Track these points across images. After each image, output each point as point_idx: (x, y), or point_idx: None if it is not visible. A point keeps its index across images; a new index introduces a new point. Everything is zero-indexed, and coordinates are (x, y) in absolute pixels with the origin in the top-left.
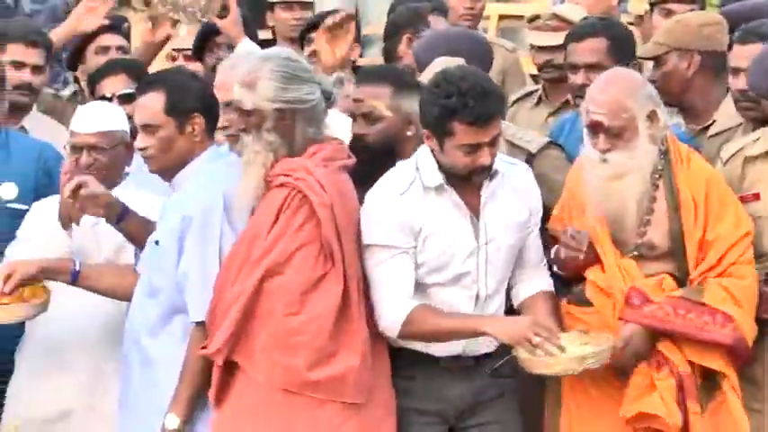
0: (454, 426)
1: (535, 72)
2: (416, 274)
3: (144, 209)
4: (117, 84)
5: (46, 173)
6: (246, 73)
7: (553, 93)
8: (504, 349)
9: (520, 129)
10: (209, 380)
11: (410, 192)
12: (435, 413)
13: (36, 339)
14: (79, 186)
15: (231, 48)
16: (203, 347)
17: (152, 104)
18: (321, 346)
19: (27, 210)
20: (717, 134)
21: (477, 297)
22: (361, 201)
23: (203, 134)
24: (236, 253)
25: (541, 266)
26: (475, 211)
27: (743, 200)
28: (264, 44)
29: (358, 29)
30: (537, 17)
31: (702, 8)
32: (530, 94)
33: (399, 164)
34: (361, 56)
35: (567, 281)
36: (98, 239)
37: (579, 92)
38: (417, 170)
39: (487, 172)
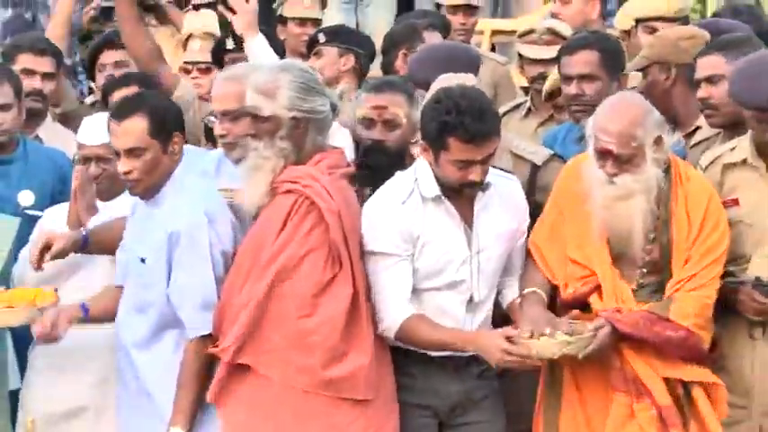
0: (444, 422)
1: (524, 84)
2: (414, 279)
3: None
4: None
5: (61, 180)
6: (264, 81)
7: (541, 104)
8: None
9: (523, 141)
10: (206, 389)
11: (410, 201)
12: (429, 408)
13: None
14: (47, 246)
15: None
16: (214, 346)
17: (136, 129)
18: (334, 345)
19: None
20: (698, 143)
21: (471, 301)
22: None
23: (180, 151)
24: (243, 259)
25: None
26: (468, 221)
27: (723, 205)
28: None
29: (362, 46)
30: (531, 31)
31: (686, 25)
32: (518, 106)
33: (398, 174)
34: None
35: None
36: None
37: (573, 101)
38: (416, 181)
39: (478, 187)
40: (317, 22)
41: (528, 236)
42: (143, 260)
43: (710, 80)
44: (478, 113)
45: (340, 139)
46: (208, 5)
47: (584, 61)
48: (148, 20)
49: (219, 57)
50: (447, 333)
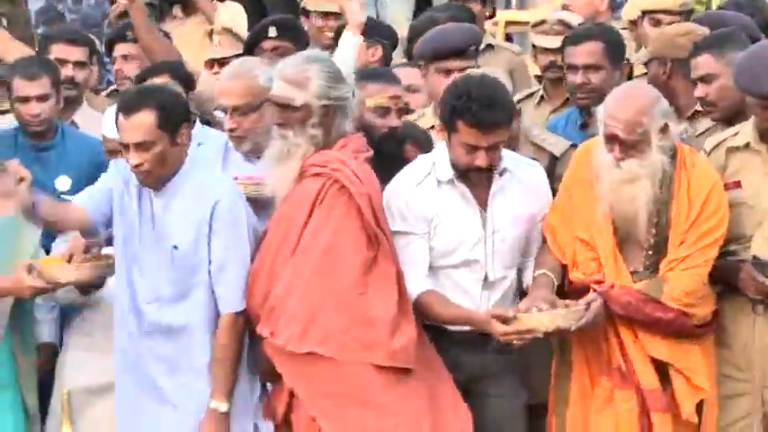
0: (462, 393)
1: (537, 73)
2: (430, 257)
3: None
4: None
5: (96, 166)
6: (294, 72)
7: (554, 92)
8: None
9: (544, 131)
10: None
11: (425, 183)
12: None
13: (83, 318)
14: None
15: (280, 51)
16: (266, 337)
17: (144, 122)
18: (393, 318)
19: None
20: (702, 133)
21: (486, 280)
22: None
23: (188, 141)
24: (272, 239)
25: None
26: (483, 203)
27: (725, 187)
28: None
29: (387, 37)
30: (543, 22)
31: (688, 18)
32: (532, 94)
33: (419, 158)
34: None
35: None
36: None
37: (578, 90)
38: (433, 165)
39: (485, 172)
40: (338, 15)
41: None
42: (176, 247)
43: (704, 79)
44: (488, 102)
45: None
46: None
47: (588, 51)
48: (175, 12)
49: (258, 42)
50: (455, 310)
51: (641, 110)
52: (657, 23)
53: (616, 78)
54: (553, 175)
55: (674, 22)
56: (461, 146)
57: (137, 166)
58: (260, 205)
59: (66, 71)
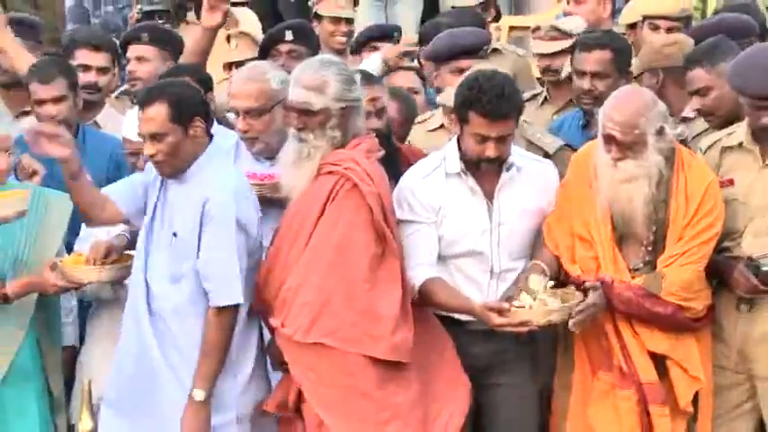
0: (475, 383)
1: (539, 75)
2: (439, 247)
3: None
4: None
5: (116, 166)
6: (312, 78)
7: (556, 94)
8: None
9: (539, 130)
10: (226, 357)
11: (433, 175)
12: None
13: (104, 310)
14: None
15: (295, 54)
16: (275, 328)
17: (157, 115)
18: (397, 313)
19: None
20: (696, 136)
21: (492, 271)
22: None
23: (204, 134)
24: (285, 234)
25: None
26: (490, 196)
27: (720, 185)
28: None
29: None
30: (538, 28)
31: (687, 26)
32: (535, 95)
33: (432, 152)
34: None
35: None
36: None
37: (584, 94)
38: (444, 159)
39: (494, 163)
40: (349, 20)
41: None
42: (175, 234)
43: (699, 93)
44: (498, 94)
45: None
46: (243, 4)
47: (598, 60)
48: (189, 17)
49: (274, 45)
50: (456, 299)
51: (638, 112)
52: (656, 29)
53: (621, 85)
54: None
55: (673, 28)
56: (472, 136)
57: (151, 156)
58: (270, 203)
59: (90, 77)
